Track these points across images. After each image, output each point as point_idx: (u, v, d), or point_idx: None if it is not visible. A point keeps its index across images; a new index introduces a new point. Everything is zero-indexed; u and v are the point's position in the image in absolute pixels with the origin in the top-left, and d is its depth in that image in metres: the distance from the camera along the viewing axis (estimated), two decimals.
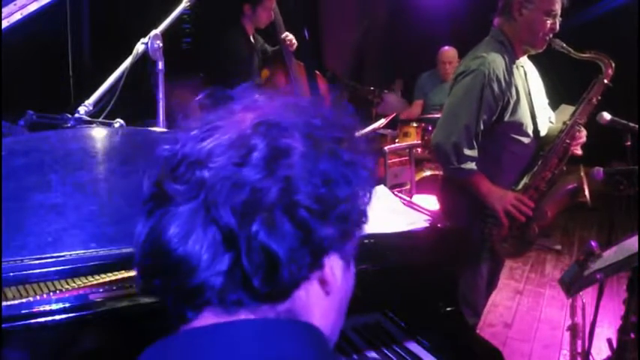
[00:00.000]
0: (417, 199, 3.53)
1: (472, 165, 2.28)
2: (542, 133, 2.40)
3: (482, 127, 2.27)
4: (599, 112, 2.38)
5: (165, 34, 1.91)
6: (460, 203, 2.38)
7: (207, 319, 0.65)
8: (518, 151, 2.36)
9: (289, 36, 3.65)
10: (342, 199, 0.66)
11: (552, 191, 2.36)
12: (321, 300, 0.70)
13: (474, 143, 2.28)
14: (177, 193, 0.64)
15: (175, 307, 0.67)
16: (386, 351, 1.50)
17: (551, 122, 2.51)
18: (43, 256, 1.21)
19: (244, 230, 0.61)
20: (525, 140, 2.34)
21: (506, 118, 2.29)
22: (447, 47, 4.95)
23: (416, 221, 1.69)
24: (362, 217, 0.72)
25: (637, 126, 2.39)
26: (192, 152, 0.65)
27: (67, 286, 1.22)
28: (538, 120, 2.37)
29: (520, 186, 2.36)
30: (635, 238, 1.94)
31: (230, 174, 0.62)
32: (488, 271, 2.46)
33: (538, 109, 2.39)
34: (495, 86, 2.23)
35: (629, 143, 2.42)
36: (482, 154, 2.30)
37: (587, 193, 2.33)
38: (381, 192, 1.85)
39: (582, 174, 2.34)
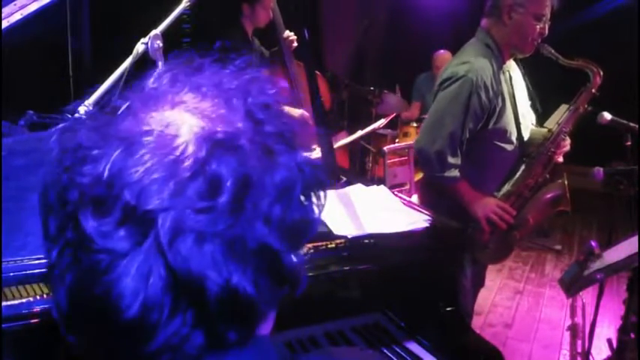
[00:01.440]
0: (417, 199, 3.52)
1: (455, 172, 2.26)
2: (525, 137, 2.39)
3: (467, 134, 2.24)
4: (599, 112, 2.38)
5: (165, 34, 1.91)
6: (440, 207, 2.37)
7: None
8: (502, 158, 2.34)
9: (291, 36, 3.64)
10: (301, 221, 0.58)
11: (535, 199, 2.35)
12: (272, 315, 0.65)
13: (458, 151, 2.25)
14: (117, 240, 0.50)
15: None
16: (386, 351, 1.50)
17: (532, 124, 2.49)
18: (43, 256, 1.21)
19: (214, 280, 0.52)
20: (509, 147, 2.32)
21: (490, 126, 2.26)
22: (441, 51, 4.94)
23: (416, 221, 1.69)
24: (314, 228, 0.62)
25: (637, 126, 2.39)
26: (124, 184, 0.50)
27: None
28: (522, 125, 2.36)
29: (502, 192, 2.35)
30: (635, 238, 1.95)
31: (193, 223, 0.50)
32: (472, 272, 2.45)
33: (522, 114, 2.37)
34: (483, 94, 2.19)
35: (629, 143, 2.42)
36: (465, 160, 2.28)
37: (569, 201, 2.33)
38: (381, 192, 1.85)
39: (565, 182, 2.33)
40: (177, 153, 0.51)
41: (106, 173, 0.51)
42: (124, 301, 0.51)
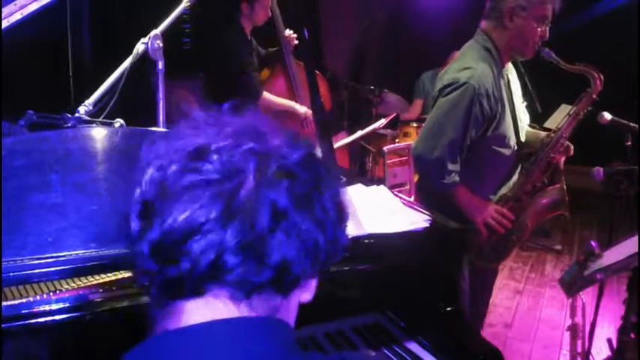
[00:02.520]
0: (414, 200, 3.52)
1: (454, 178, 2.23)
2: (523, 139, 2.37)
3: (468, 142, 2.21)
4: (599, 112, 2.38)
5: (165, 34, 1.91)
6: (436, 209, 2.36)
7: (212, 308, 0.69)
8: (500, 162, 2.32)
9: (291, 34, 3.64)
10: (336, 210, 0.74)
11: (533, 203, 2.33)
12: (296, 303, 0.79)
13: (458, 157, 2.22)
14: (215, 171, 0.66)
15: (192, 280, 0.67)
16: (386, 351, 1.50)
17: (533, 126, 2.48)
18: (43, 256, 1.21)
19: (298, 217, 0.68)
20: (507, 152, 2.30)
21: (490, 132, 2.23)
22: (457, 52, 4.92)
23: (416, 221, 1.69)
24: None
25: (637, 126, 2.39)
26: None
27: (67, 286, 1.22)
28: (520, 130, 2.34)
29: (499, 195, 2.34)
30: (635, 238, 1.94)
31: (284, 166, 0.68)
32: (469, 273, 2.43)
33: (519, 116, 2.35)
34: (484, 102, 2.15)
35: (629, 143, 2.42)
36: (463, 165, 2.25)
37: (567, 205, 2.32)
38: (381, 192, 1.85)
39: (564, 186, 2.32)
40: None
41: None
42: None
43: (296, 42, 3.66)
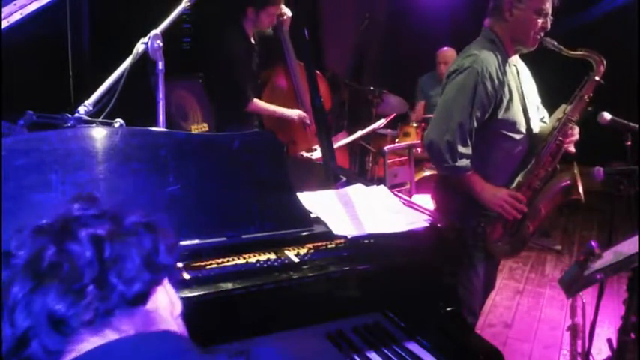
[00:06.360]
0: (417, 199, 3.53)
1: (467, 162, 2.28)
2: (535, 131, 2.40)
3: (475, 124, 2.27)
4: (599, 112, 2.38)
5: (165, 34, 1.91)
6: (454, 203, 2.38)
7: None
8: (511, 150, 2.36)
9: (286, 13, 3.58)
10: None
11: (546, 189, 2.36)
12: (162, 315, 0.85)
13: (468, 141, 2.27)
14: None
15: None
16: (386, 351, 1.50)
17: (544, 122, 2.50)
18: None
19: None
20: (518, 138, 2.34)
21: (499, 116, 2.29)
22: (445, 48, 4.95)
23: (416, 221, 1.69)
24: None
25: (637, 126, 2.39)
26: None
27: None
28: (531, 118, 2.38)
29: (515, 184, 2.36)
30: (635, 238, 1.94)
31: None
32: (484, 271, 2.45)
33: (530, 107, 2.40)
34: (488, 83, 2.24)
35: (629, 143, 2.42)
36: (475, 152, 2.30)
37: (580, 190, 2.33)
38: (381, 192, 1.85)
39: (576, 171, 2.34)
40: None
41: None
42: None
43: (290, 14, 3.61)
